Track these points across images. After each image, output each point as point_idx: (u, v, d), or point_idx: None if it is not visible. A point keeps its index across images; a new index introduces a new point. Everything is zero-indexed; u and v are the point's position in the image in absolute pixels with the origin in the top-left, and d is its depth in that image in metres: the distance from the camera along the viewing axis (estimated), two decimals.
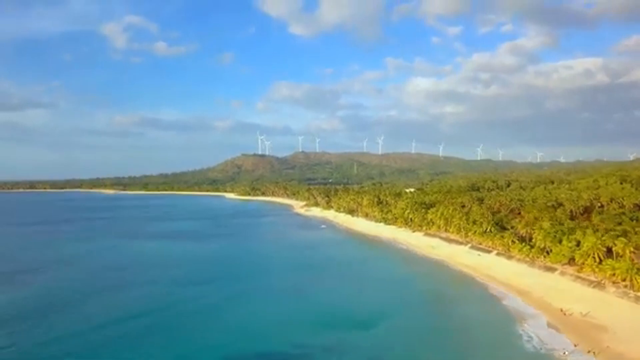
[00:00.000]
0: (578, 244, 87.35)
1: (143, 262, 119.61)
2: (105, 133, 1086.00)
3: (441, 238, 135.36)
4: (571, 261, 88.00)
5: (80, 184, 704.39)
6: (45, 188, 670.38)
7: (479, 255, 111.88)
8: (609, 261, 77.75)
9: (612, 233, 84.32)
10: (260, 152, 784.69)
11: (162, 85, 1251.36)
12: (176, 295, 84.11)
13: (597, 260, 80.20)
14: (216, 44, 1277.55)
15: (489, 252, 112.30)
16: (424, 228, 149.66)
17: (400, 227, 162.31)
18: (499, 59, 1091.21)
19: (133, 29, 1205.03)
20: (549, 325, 63.37)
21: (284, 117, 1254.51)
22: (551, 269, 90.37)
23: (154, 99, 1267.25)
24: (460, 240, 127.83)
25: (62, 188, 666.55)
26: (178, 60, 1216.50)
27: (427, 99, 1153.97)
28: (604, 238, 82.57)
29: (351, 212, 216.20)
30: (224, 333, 63.34)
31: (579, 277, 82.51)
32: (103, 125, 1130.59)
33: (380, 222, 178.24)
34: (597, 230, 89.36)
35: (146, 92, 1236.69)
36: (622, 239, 79.96)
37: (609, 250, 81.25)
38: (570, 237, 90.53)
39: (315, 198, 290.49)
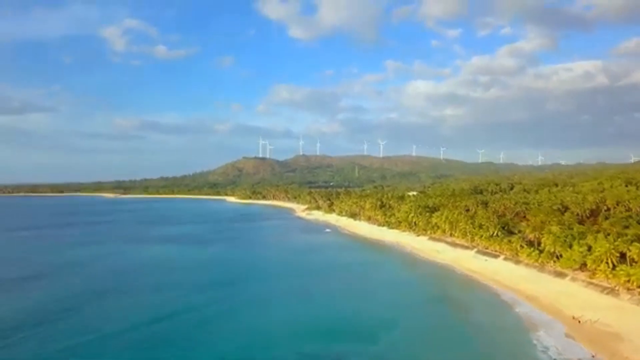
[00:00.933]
0: (589, 248, 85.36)
1: (146, 267, 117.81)
2: (106, 136, 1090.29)
3: (446, 242, 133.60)
4: (583, 267, 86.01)
5: (80, 187, 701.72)
6: (45, 192, 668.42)
7: (485, 260, 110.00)
8: (624, 267, 75.79)
9: (625, 238, 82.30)
10: (261, 155, 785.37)
11: (162, 89, 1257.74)
12: (181, 301, 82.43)
13: (611, 266, 78.17)
14: (216, 48, 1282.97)
15: (495, 256, 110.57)
16: (429, 232, 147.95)
17: (403, 231, 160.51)
18: (498, 62, 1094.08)
19: (133, 32, 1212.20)
20: (564, 333, 61.41)
21: (285, 120, 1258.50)
22: (562, 275, 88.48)
23: (155, 103, 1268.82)
24: (466, 244, 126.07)
25: (61, 192, 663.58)
26: (178, 63, 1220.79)
27: (427, 102, 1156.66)
28: (617, 243, 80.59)
29: (353, 215, 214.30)
30: (231, 340, 61.65)
31: (591, 283, 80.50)
32: (103, 128, 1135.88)
33: (384, 225, 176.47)
34: (609, 234, 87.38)
35: (147, 95, 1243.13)
36: (637, 244, 77.92)
37: (622, 256, 79.36)
38: (581, 241, 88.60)
39: (316, 201, 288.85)
